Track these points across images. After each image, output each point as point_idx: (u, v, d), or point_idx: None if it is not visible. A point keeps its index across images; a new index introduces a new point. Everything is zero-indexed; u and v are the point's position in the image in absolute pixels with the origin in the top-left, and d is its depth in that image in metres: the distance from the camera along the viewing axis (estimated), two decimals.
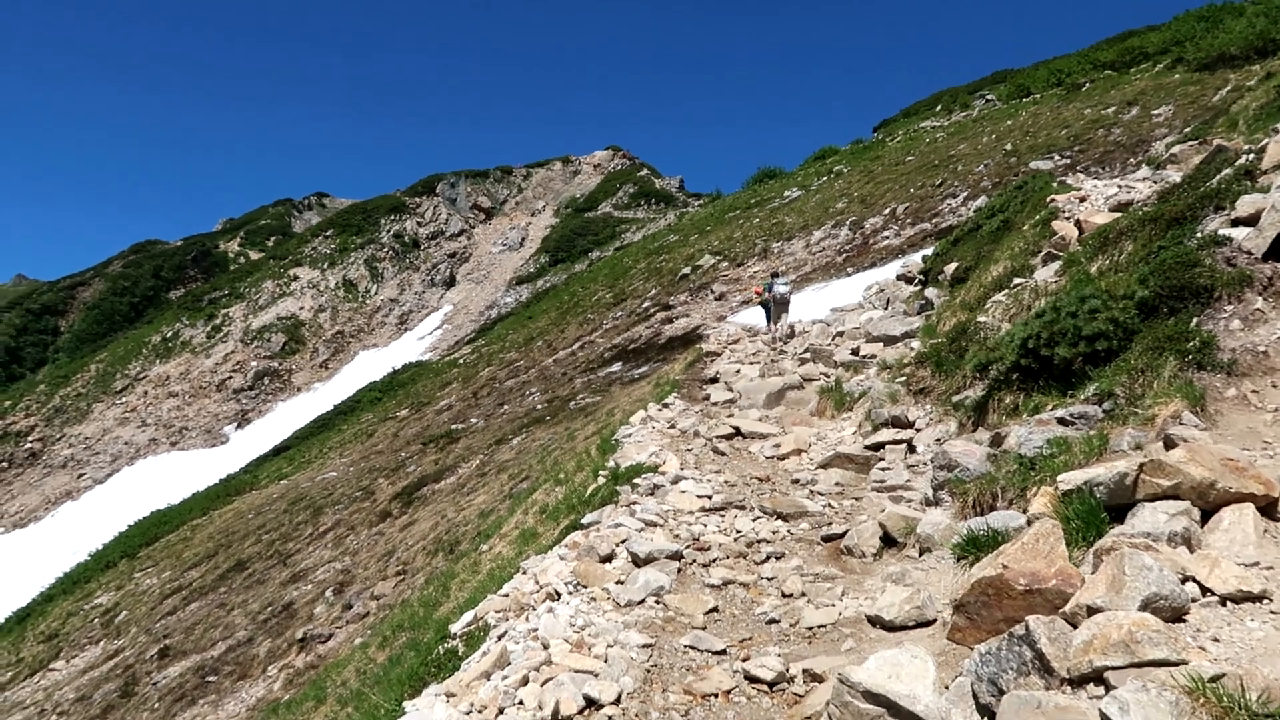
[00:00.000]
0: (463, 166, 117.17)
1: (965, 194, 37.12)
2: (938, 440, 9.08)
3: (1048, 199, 13.45)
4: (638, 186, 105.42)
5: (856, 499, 8.76)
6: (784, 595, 6.37)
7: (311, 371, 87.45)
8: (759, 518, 8.42)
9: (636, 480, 9.72)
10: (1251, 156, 8.20)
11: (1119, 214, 10.99)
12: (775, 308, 20.71)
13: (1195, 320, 6.25)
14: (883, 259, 32.22)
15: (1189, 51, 41.06)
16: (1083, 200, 13.13)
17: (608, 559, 7.26)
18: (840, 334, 17.14)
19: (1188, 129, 31.21)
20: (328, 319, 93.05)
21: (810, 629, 5.75)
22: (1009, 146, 40.87)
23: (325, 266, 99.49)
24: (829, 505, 8.67)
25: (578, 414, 25.30)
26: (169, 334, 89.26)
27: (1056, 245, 11.13)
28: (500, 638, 6.09)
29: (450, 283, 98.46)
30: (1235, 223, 7.09)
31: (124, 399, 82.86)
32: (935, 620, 5.22)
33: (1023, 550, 4.06)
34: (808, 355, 16.22)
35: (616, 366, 32.51)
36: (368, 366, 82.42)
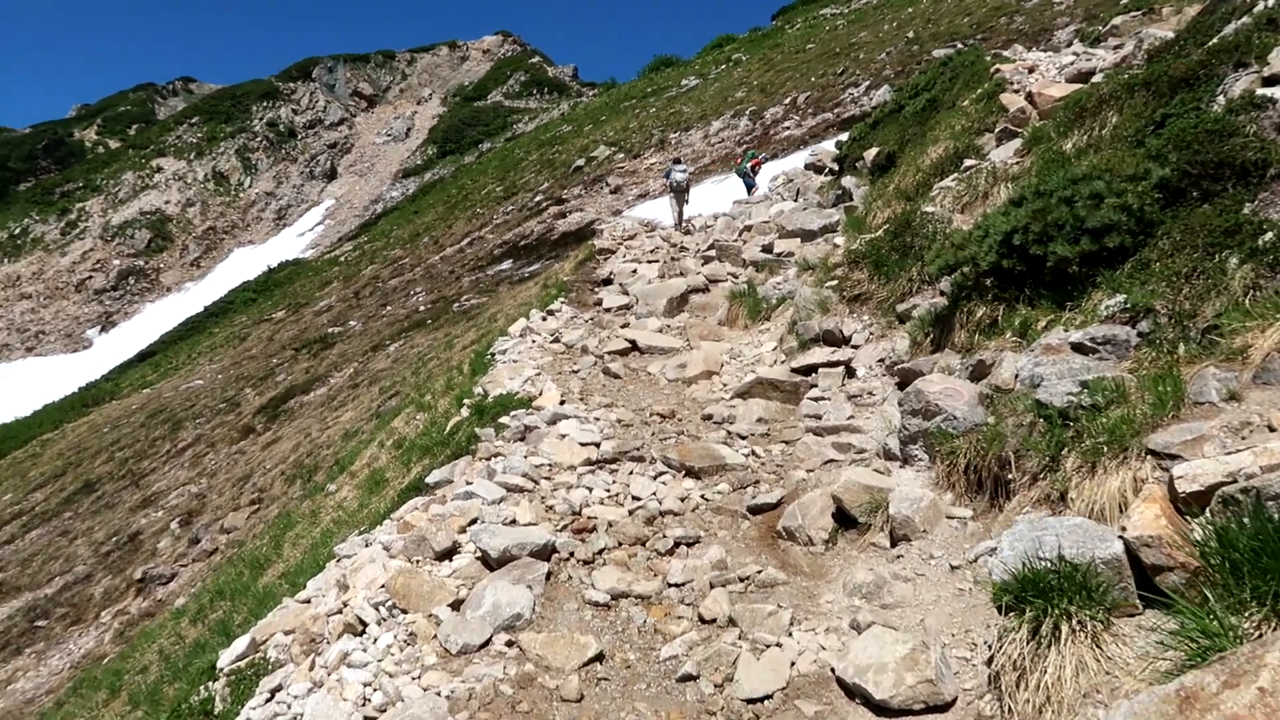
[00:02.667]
0: (342, 51, 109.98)
1: (868, 83, 35.84)
2: (881, 361, 7.41)
3: (992, 70, 11.71)
4: (530, 75, 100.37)
5: (787, 443, 6.82)
6: (703, 621, 4.39)
7: (182, 270, 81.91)
8: (662, 474, 6.42)
9: (504, 419, 7.61)
10: (1272, 3, 6.59)
11: (1080, 84, 9.38)
12: (675, 196, 19.53)
13: (1248, 207, 4.66)
14: (785, 150, 30.59)
15: None
16: (1031, 71, 11.46)
17: (446, 555, 5.12)
18: (748, 228, 15.22)
19: (1090, 17, 30.36)
20: (197, 214, 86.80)
21: (749, 703, 3.76)
22: (911, 34, 39.60)
23: (192, 157, 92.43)
24: (753, 454, 6.66)
25: (460, 317, 23.22)
26: (17, 230, 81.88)
27: (1015, 120, 9.43)
28: (272, 696, 4.14)
29: (331, 175, 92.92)
30: (1269, 81, 5.50)
31: None
32: (955, 700, 3.43)
33: (1263, 708, 1.87)
34: (713, 253, 14.25)
35: (506, 264, 30.58)
36: (244, 265, 77.52)
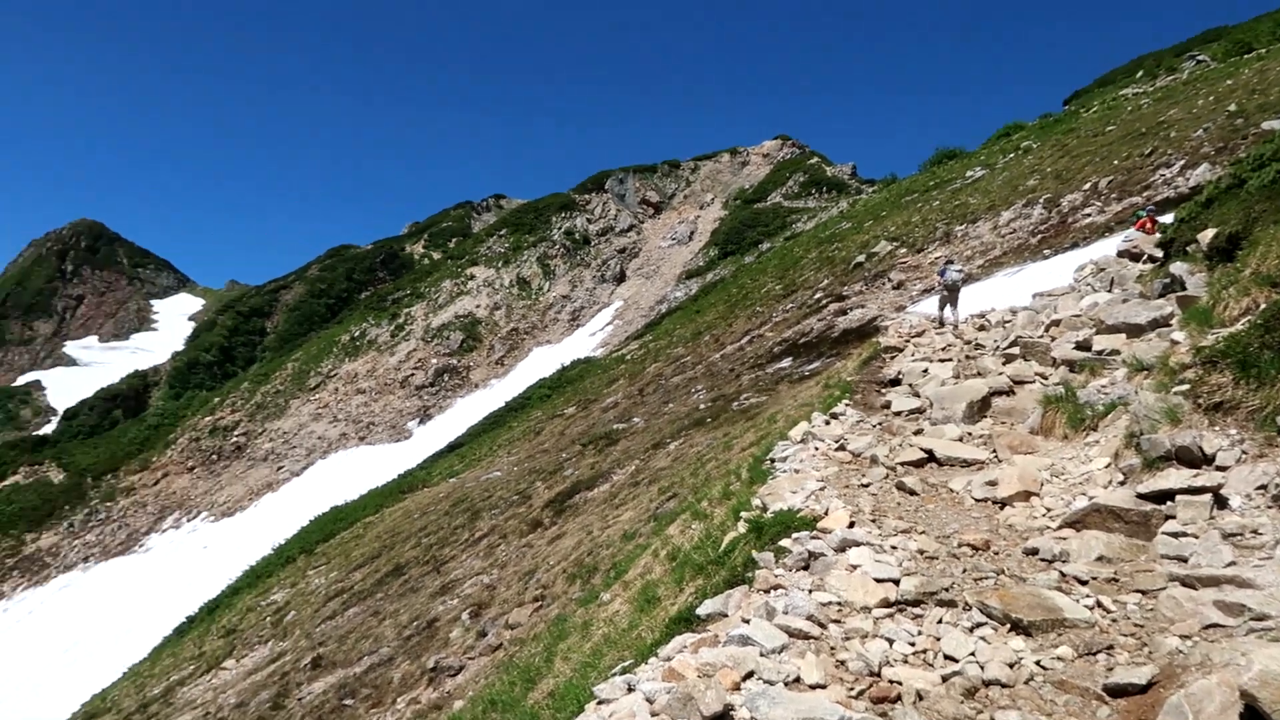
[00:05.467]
0: (630, 163, 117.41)
1: (1182, 162, 32.79)
2: (1262, 489, 5.97)
3: None
4: (808, 175, 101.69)
5: (1144, 594, 5.41)
6: None
7: (488, 368, 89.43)
8: (980, 626, 5.26)
9: (784, 541, 6.74)
10: None
11: None
12: (947, 295, 18.68)
13: None
14: (1086, 238, 28.51)
15: None
16: None
17: None
18: (1055, 323, 13.73)
19: None
20: (503, 316, 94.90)
21: None
22: (1233, 107, 35.84)
23: (500, 265, 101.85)
24: (1099, 606, 5.34)
25: (739, 417, 23.10)
26: (357, 333, 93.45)
27: None
28: None
29: (620, 278, 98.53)
30: None
31: (317, 395, 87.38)
32: None
33: None
34: (1015, 350, 12.99)
35: (785, 362, 30.41)
36: (541, 363, 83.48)
